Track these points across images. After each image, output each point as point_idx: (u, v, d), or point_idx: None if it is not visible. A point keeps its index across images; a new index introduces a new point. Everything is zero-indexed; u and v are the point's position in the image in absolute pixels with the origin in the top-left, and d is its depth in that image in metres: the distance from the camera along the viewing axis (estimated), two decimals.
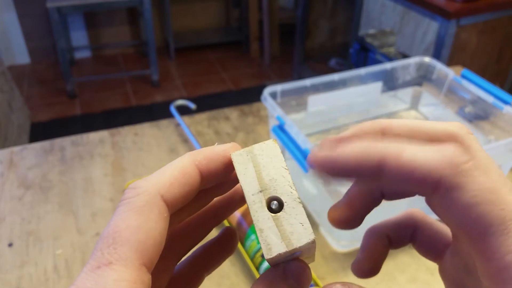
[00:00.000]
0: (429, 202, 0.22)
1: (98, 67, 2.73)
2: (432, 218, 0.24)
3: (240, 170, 0.20)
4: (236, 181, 0.20)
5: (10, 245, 0.57)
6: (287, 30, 2.87)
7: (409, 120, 0.20)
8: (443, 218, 0.18)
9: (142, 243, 0.17)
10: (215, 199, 0.23)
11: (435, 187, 0.17)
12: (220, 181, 0.21)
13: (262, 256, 0.51)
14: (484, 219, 0.16)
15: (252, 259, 0.52)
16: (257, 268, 0.51)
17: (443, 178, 0.17)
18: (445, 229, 0.23)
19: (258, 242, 0.52)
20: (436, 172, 0.17)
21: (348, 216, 0.21)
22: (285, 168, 0.20)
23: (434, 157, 0.17)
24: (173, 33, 2.77)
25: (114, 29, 2.81)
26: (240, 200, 0.23)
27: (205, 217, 0.23)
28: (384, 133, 0.20)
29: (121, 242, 0.17)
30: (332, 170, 0.19)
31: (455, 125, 0.19)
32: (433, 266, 0.54)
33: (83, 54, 2.80)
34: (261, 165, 0.20)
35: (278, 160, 0.20)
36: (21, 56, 2.68)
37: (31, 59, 2.71)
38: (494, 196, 0.17)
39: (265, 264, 0.50)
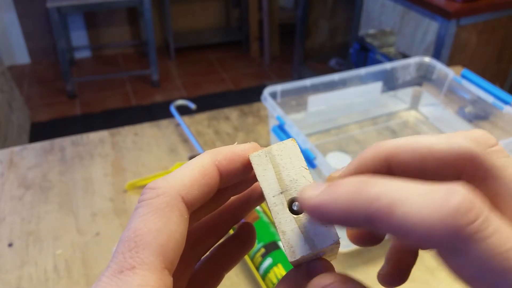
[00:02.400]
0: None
1: (98, 67, 2.73)
2: None
3: (259, 172, 0.19)
4: (253, 180, 0.20)
5: (10, 245, 0.57)
6: (287, 30, 2.87)
7: (419, 141, 0.17)
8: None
9: (164, 246, 0.17)
10: (233, 198, 0.23)
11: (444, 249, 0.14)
12: (238, 181, 0.21)
13: (262, 256, 0.51)
14: None
15: (252, 259, 0.52)
16: (257, 268, 0.51)
17: (447, 242, 0.14)
18: None
19: (260, 242, 0.52)
20: (434, 236, 0.14)
21: (393, 275, 0.21)
22: (306, 168, 0.19)
23: (431, 215, 0.14)
24: (173, 33, 2.77)
25: (114, 29, 2.80)
26: (257, 198, 0.23)
27: (223, 216, 0.23)
28: (389, 163, 0.17)
29: (143, 246, 0.16)
30: (322, 218, 0.17)
31: (473, 140, 0.17)
32: (433, 266, 0.54)
33: (83, 54, 2.80)
34: (281, 166, 0.19)
35: (298, 160, 0.19)
36: (21, 56, 2.68)
37: (31, 59, 2.71)
38: None
39: (265, 264, 0.50)
